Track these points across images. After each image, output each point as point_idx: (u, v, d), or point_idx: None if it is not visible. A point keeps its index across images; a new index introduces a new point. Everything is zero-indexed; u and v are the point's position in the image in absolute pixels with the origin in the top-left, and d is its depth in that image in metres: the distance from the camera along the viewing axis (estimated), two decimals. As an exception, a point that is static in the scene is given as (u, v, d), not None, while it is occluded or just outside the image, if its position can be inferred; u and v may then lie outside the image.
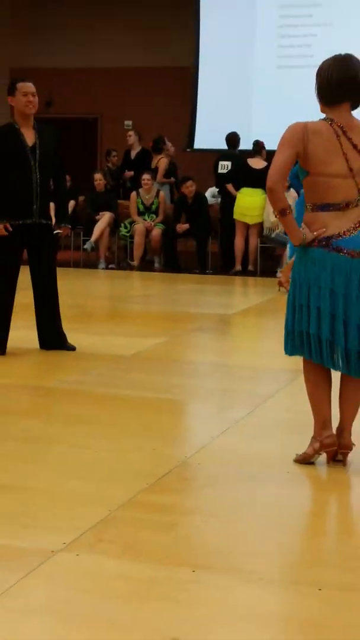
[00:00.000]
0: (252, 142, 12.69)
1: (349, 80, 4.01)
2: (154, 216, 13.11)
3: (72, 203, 12.79)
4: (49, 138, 6.63)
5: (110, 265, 13.19)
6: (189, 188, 12.81)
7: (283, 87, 13.75)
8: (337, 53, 4.10)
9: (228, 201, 12.73)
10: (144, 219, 13.06)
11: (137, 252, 12.99)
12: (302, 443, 4.26)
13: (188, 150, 14.87)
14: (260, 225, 12.47)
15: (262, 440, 4.66)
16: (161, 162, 13.67)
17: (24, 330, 6.85)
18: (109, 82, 16.05)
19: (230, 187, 12.68)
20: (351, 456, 4.21)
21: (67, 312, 7.04)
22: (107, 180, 13.68)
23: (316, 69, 4.12)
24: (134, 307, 9.91)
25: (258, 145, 12.55)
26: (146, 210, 13.13)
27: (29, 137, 6.52)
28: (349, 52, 4.11)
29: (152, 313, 9.28)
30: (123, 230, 13.23)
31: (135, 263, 12.97)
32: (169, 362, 6.59)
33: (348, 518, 3.90)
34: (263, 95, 14.31)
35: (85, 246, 13.20)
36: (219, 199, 13.19)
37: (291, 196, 11.71)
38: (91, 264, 13.16)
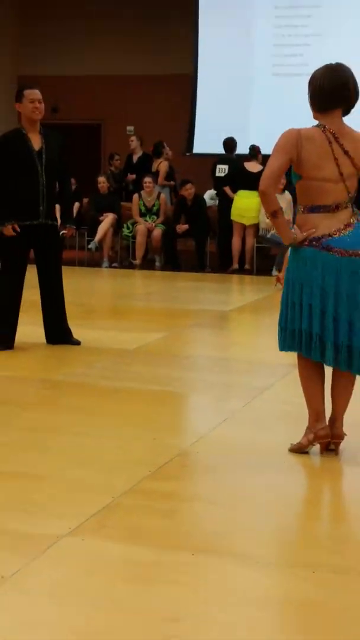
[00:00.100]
0: (248, 146, 12.67)
1: (340, 88, 4.00)
2: (155, 217, 13.10)
3: (76, 205, 12.79)
4: (54, 143, 6.62)
5: (113, 264, 13.19)
6: (188, 190, 12.81)
7: (278, 94, 13.74)
8: (329, 62, 4.10)
9: (226, 203, 12.73)
10: (146, 220, 13.06)
11: (139, 251, 12.99)
12: (297, 433, 4.27)
13: (187, 154, 14.87)
14: (257, 226, 12.47)
15: (259, 430, 4.66)
16: (162, 165, 13.66)
17: (31, 326, 6.85)
18: (111, 89, 16.03)
19: (227, 189, 12.69)
20: (343, 445, 4.22)
21: (72, 309, 7.03)
22: (110, 183, 13.67)
23: (309, 76, 4.12)
24: (136, 304, 9.91)
25: (254, 150, 12.54)
26: (147, 212, 13.13)
27: (36, 142, 6.52)
28: (340, 60, 4.11)
29: (153, 309, 9.28)
30: (125, 231, 13.23)
31: (137, 262, 12.97)
32: (169, 356, 6.60)
33: (340, 504, 3.90)
34: (259, 102, 14.31)
35: (89, 246, 13.20)
36: (217, 201, 13.19)
37: (285, 199, 11.76)
38: (95, 263, 13.15)
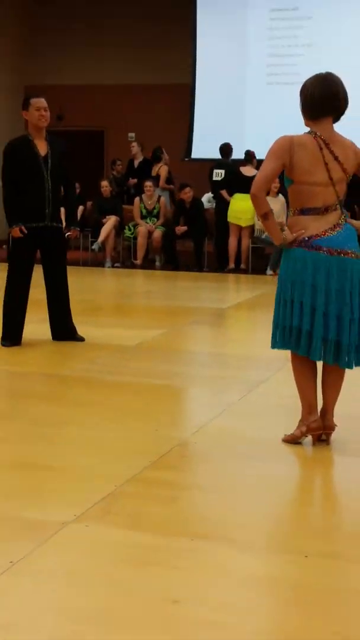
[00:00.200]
0: (243, 151, 12.67)
1: (330, 96, 4.00)
2: (155, 219, 13.10)
3: (80, 208, 12.79)
4: (59, 149, 6.63)
5: (115, 264, 13.19)
6: (187, 194, 12.82)
7: (272, 102, 13.74)
8: (319, 72, 4.10)
9: (222, 206, 12.73)
10: (146, 222, 13.06)
11: (140, 252, 13.00)
12: (290, 424, 4.27)
13: (186, 159, 14.86)
14: (252, 228, 12.48)
15: (254, 422, 4.66)
16: (162, 170, 13.66)
17: (37, 323, 6.85)
18: (113, 98, 16.03)
19: (224, 192, 12.69)
20: (334, 436, 4.22)
21: (77, 307, 7.03)
22: (113, 187, 13.68)
23: (301, 85, 4.12)
24: (137, 302, 9.91)
25: (249, 155, 12.54)
26: (148, 214, 13.13)
27: (42, 148, 6.52)
28: (331, 70, 4.11)
29: (154, 307, 9.29)
30: (127, 232, 13.23)
31: (138, 262, 12.97)
32: (169, 352, 6.60)
33: (331, 492, 3.91)
34: (254, 109, 14.32)
35: (93, 247, 13.20)
36: (214, 204, 13.18)
37: (280, 201, 11.76)
38: (98, 263, 13.15)
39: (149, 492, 3.55)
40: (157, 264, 13.21)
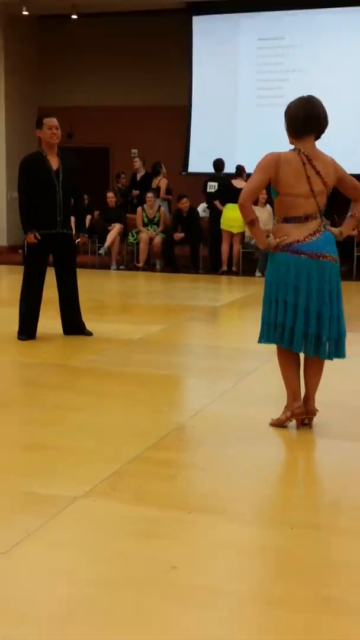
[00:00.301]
0: (234, 166, 12.66)
1: (313, 117, 4.00)
2: (156, 227, 13.09)
3: (88, 217, 12.77)
4: (70, 164, 6.62)
5: (120, 267, 13.17)
6: (184, 204, 12.80)
7: (260, 122, 13.71)
8: (302, 95, 4.10)
9: (216, 215, 12.71)
10: (148, 229, 13.04)
11: (142, 256, 12.98)
12: (277, 410, 4.28)
13: (183, 173, 14.83)
14: (242, 234, 12.46)
15: (244, 407, 4.67)
16: (162, 182, 13.64)
17: (50, 320, 6.85)
18: (118, 118, 16.01)
19: (217, 203, 12.67)
20: (315, 420, 4.23)
21: (85, 305, 7.03)
22: (118, 198, 13.66)
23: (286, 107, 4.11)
24: (140, 301, 9.91)
25: (239, 169, 12.52)
26: (149, 222, 13.12)
27: (54, 162, 6.51)
28: (312, 93, 4.11)
29: (155, 305, 9.29)
30: (131, 238, 13.21)
31: (140, 265, 12.95)
32: (168, 345, 6.60)
33: (314, 470, 3.91)
34: (244, 128, 14.30)
35: (99, 251, 13.18)
36: (209, 213, 13.17)
37: (267, 210, 11.75)
38: (105, 266, 13.14)
39: (150, 470, 3.56)
40: (158, 267, 13.19)
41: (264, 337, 4.15)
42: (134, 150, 15.49)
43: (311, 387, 4.20)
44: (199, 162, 14.31)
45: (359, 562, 2.71)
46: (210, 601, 2.43)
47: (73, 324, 6.75)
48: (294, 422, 4.20)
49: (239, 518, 3.04)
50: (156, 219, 13.11)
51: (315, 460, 4.00)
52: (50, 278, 6.68)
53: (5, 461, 3.64)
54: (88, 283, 9.72)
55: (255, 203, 11.79)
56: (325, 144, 4.09)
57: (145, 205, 13.12)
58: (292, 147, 4.05)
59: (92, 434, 4.07)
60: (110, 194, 13.44)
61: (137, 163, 14.16)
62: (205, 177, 13.19)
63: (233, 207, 12.10)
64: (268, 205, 11.77)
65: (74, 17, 14.83)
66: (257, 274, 11.96)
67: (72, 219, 6.83)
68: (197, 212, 13.19)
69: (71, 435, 4.07)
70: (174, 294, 10.33)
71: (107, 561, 2.67)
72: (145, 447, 3.82)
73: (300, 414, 4.16)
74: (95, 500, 3.17)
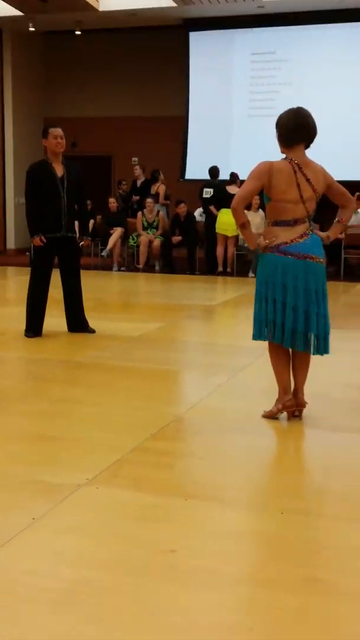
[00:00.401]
0: (229, 173, 12.66)
1: (302, 127, 4.00)
2: (155, 230, 13.09)
3: (92, 221, 12.77)
4: (74, 171, 6.62)
5: (121, 268, 13.18)
6: (182, 209, 12.81)
7: (253, 131, 13.74)
8: (292, 106, 4.10)
9: (211, 219, 12.72)
10: (147, 233, 13.04)
11: (142, 258, 12.99)
12: (269, 403, 4.28)
13: (180, 180, 14.85)
14: (236, 238, 12.47)
15: (238, 400, 4.67)
16: (160, 188, 13.65)
17: (56, 318, 6.85)
18: (119, 128, 16.00)
19: (212, 208, 12.68)
20: (305, 412, 4.23)
21: (89, 304, 7.03)
22: (119, 203, 13.66)
23: (277, 118, 4.11)
24: (140, 300, 9.91)
25: (233, 176, 12.53)
26: (149, 226, 13.11)
27: (59, 170, 6.51)
28: (302, 105, 4.11)
29: (154, 304, 9.29)
30: (131, 241, 13.22)
31: (140, 266, 12.96)
32: (166, 342, 6.60)
33: (303, 459, 3.91)
34: (238, 138, 14.32)
35: (102, 253, 13.19)
36: (205, 218, 13.18)
37: (260, 215, 11.75)
38: (107, 267, 13.14)
39: (150, 459, 3.56)
40: (157, 268, 13.20)
41: (256, 334, 4.16)
42: (135, 159, 15.48)
43: (300, 381, 4.20)
44: (196, 169, 14.32)
45: (345, 545, 2.72)
46: (207, 582, 2.43)
47: (77, 322, 6.75)
48: (285, 414, 4.21)
49: (233, 504, 3.05)
50: (155, 223, 13.11)
51: (305, 450, 4.00)
52: (56, 279, 6.68)
53: (13, 451, 3.64)
54: (91, 283, 9.73)
55: (249, 208, 11.83)
56: (314, 152, 4.10)
57: (145, 210, 13.11)
58: (284, 155, 4.05)
59: (95, 425, 4.07)
60: (112, 200, 13.44)
61: (137, 170, 14.16)
62: (202, 184, 13.20)
63: (227, 212, 12.12)
64: (261, 210, 11.78)
65: (78, 33, 14.82)
66: (250, 274, 11.97)
67: (76, 223, 6.83)
68: (194, 217, 13.19)
69: (75, 426, 4.07)
70: (172, 293, 10.33)
71: (109, 544, 2.67)
72: (145, 438, 3.83)
73: (291, 407, 4.16)
74: (98, 488, 3.17)
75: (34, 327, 6.59)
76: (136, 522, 2.87)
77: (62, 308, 6.77)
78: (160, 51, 15.43)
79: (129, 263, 13.43)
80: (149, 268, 13.08)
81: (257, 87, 14.28)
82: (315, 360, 4.23)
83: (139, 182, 14.14)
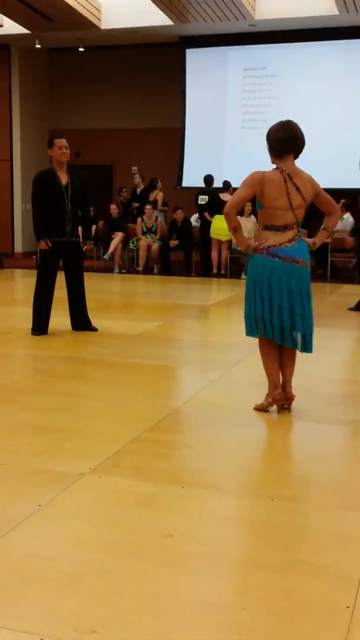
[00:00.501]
0: (222, 181, 12.66)
1: (292, 138, 4.01)
2: (154, 235, 13.07)
3: (94, 226, 12.76)
4: (78, 180, 6.61)
5: (122, 271, 13.16)
6: (179, 215, 12.80)
7: (245, 142, 13.72)
8: (282, 119, 4.10)
9: (206, 224, 12.71)
10: (147, 237, 13.03)
11: (141, 261, 12.97)
12: (259, 396, 4.28)
13: (177, 187, 14.83)
14: (230, 242, 12.46)
15: (231, 394, 4.67)
16: (158, 196, 13.65)
17: (60, 317, 6.85)
18: (120, 139, 15.98)
19: (207, 214, 12.68)
20: (293, 405, 4.24)
21: (91, 304, 7.03)
22: (120, 210, 13.64)
23: (267, 130, 4.11)
24: (139, 300, 9.90)
25: (226, 184, 12.52)
26: (148, 231, 13.10)
27: (63, 178, 6.51)
28: (291, 118, 4.12)
29: (152, 304, 9.29)
30: (131, 245, 13.20)
31: (140, 269, 12.95)
32: (164, 339, 6.60)
33: (292, 449, 3.91)
34: (231, 148, 14.30)
35: (104, 257, 13.17)
36: (200, 223, 13.18)
37: (252, 220, 11.75)
38: (108, 270, 13.13)
39: (149, 450, 3.56)
40: (155, 270, 13.18)
41: (248, 331, 4.17)
42: (134, 168, 15.47)
43: (287, 374, 4.21)
44: (192, 177, 14.31)
45: (331, 530, 2.72)
46: (202, 565, 2.43)
47: (81, 321, 6.75)
48: (275, 407, 4.21)
49: (226, 491, 3.05)
50: (154, 228, 13.10)
51: (293, 440, 4.01)
52: (61, 280, 6.67)
53: (20, 442, 3.64)
54: (94, 285, 9.72)
55: (242, 214, 11.82)
56: (302, 162, 4.10)
57: (144, 216, 13.10)
58: (274, 165, 4.06)
59: (97, 417, 4.07)
60: (113, 206, 13.44)
61: (137, 179, 14.15)
62: (197, 191, 13.19)
63: (221, 218, 12.10)
64: (252, 216, 11.77)
65: (81, 49, 14.80)
66: (243, 276, 11.96)
67: (80, 228, 6.82)
68: (190, 222, 13.18)
69: (79, 419, 4.07)
70: (169, 294, 10.33)
71: (110, 530, 2.67)
72: (144, 429, 3.83)
73: (280, 400, 4.17)
74: (100, 477, 3.17)
75: (40, 325, 6.58)
76: (136, 508, 2.87)
77: (66, 308, 6.76)
78: (158, 67, 15.41)
79: (129, 266, 13.41)
80: (148, 270, 13.07)
81: (249, 101, 14.27)
82: (303, 356, 4.23)
83: (138, 190, 14.12)
